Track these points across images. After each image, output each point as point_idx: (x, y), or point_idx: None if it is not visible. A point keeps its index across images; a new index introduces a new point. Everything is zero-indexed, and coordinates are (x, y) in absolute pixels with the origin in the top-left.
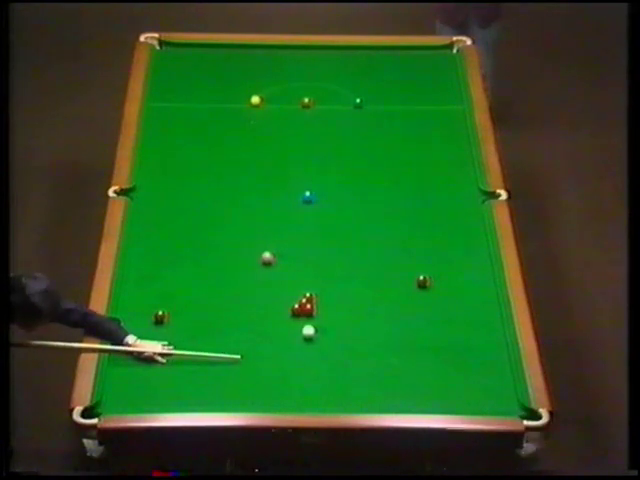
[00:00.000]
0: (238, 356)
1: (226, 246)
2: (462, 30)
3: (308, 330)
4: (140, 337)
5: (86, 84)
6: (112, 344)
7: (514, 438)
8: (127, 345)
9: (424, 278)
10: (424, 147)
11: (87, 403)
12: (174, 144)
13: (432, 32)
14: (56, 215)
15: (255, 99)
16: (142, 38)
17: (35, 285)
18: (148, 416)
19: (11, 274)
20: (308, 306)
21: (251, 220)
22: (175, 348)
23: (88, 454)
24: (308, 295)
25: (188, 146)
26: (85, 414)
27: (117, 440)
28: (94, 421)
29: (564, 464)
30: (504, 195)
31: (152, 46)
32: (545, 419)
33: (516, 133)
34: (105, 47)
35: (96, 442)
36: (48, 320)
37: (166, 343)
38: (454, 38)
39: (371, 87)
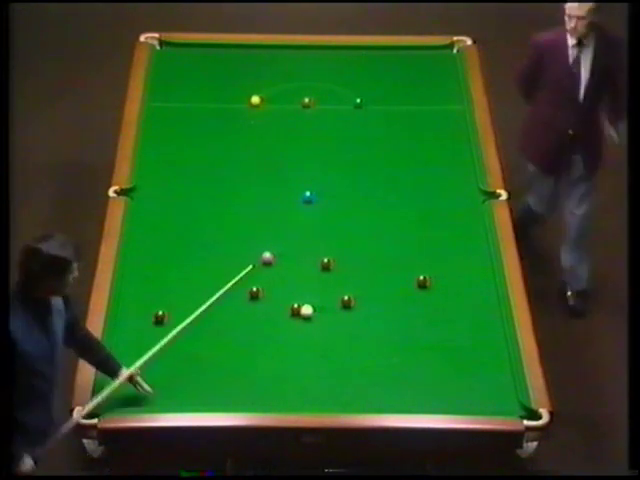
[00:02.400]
0: (250, 266)
1: (226, 246)
2: (556, 181)
3: (307, 310)
4: (140, 337)
5: (86, 84)
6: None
7: (514, 438)
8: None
9: (424, 278)
10: (424, 147)
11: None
12: (174, 144)
13: (431, 32)
14: (56, 215)
15: (255, 99)
16: (142, 38)
17: (50, 242)
18: (148, 416)
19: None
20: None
21: (251, 220)
22: (175, 348)
23: (88, 454)
24: (326, 260)
25: (188, 146)
26: (85, 414)
27: (117, 440)
28: (94, 421)
29: (564, 464)
30: (504, 195)
31: (152, 46)
32: (545, 419)
33: (516, 131)
34: (105, 47)
35: (96, 442)
36: (76, 269)
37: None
38: (454, 38)
39: (371, 87)
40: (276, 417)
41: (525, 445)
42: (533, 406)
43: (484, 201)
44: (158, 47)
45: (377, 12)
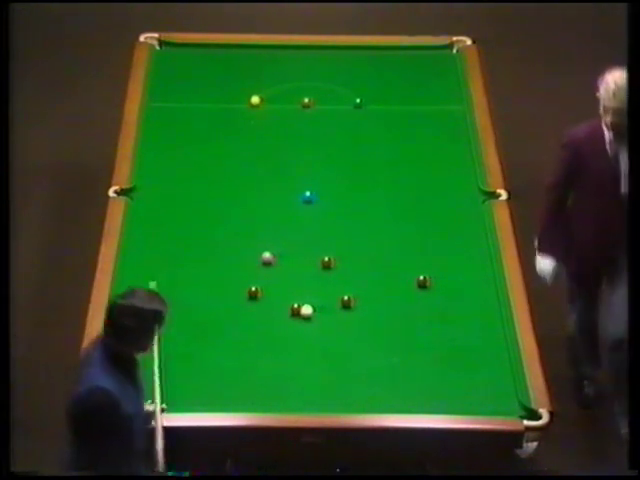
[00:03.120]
0: (153, 282)
1: (226, 246)
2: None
3: (307, 310)
4: None
5: (86, 84)
6: None
7: (514, 438)
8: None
9: (424, 278)
10: (424, 147)
11: None
12: (174, 144)
13: (430, 32)
14: (56, 215)
15: (255, 99)
16: (142, 38)
17: (138, 297)
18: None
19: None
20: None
21: (251, 220)
22: (175, 348)
23: None
24: (327, 259)
25: (188, 146)
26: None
27: None
28: None
29: (564, 464)
30: (504, 195)
31: (152, 46)
32: (545, 419)
33: (516, 131)
34: (105, 47)
35: None
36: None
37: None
38: (454, 38)
39: (371, 87)
40: (276, 417)
41: (525, 445)
42: (533, 406)
43: (484, 201)
44: (158, 47)
45: (377, 12)
